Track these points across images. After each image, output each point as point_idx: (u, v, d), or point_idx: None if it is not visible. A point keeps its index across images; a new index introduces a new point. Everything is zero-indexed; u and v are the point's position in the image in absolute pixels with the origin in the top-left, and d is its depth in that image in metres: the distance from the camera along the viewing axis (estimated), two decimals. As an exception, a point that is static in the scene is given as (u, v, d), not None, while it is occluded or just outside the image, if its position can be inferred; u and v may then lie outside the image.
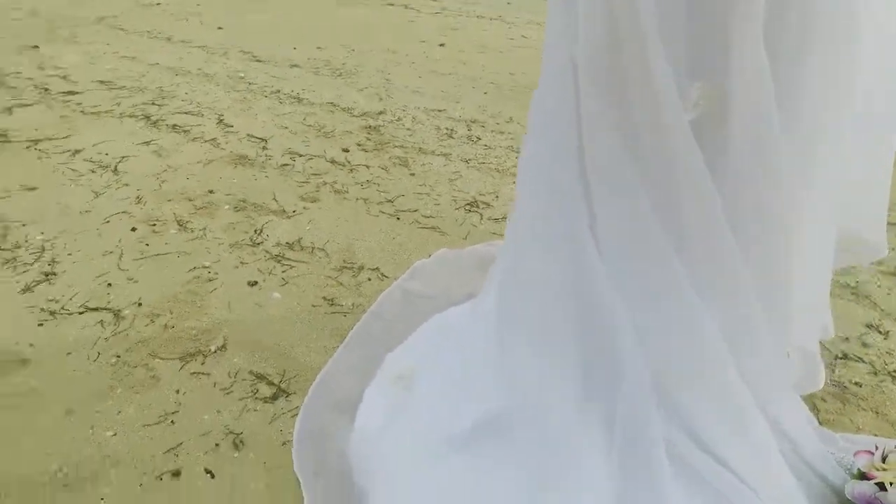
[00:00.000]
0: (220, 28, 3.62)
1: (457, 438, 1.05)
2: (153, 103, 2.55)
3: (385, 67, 3.14)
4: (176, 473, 1.05)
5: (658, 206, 0.90)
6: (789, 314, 0.97)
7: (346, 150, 2.27)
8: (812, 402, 1.22)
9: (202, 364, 1.28)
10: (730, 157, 0.87)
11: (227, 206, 1.87)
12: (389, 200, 1.96)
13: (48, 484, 1.01)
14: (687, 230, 0.90)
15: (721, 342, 0.94)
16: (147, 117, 2.42)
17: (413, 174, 2.13)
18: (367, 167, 2.16)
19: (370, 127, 2.47)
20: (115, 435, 1.12)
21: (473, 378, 1.12)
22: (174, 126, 2.36)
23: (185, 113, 2.49)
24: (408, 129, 2.47)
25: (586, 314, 0.99)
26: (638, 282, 0.94)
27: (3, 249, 1.61)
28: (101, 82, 2.72)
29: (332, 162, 2.19)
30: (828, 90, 0.85)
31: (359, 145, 2.32)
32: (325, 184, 2.03)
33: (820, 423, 1.17)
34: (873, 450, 0.96)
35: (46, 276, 1.51)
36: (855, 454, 0.98)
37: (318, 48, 3.42)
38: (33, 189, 1.88)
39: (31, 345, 1.31)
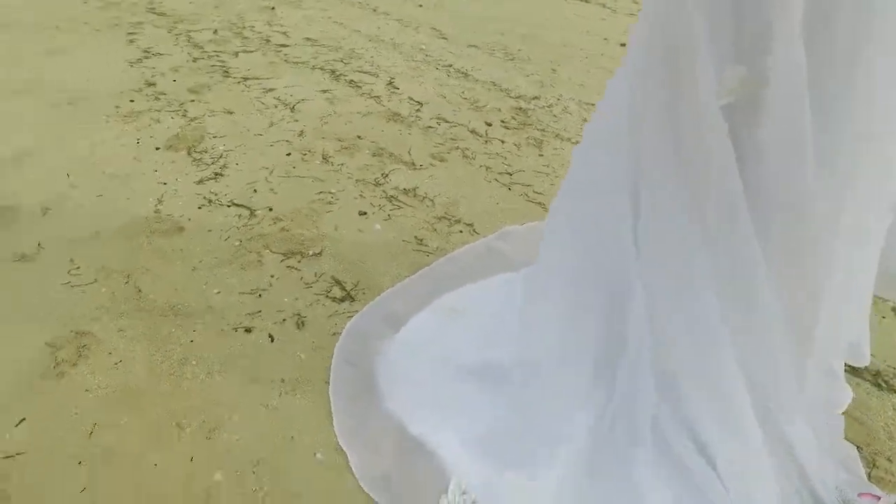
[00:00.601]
0: (420, 6, 4.01)
1: (469, 369, 1.17)
2: (342, 61, 2.97)
3: (557, 59, 3.24)
4: (248, 330, 1.32)
5: (689, 203, 0.93)
6: (813, 325, 0.92)
7: (489, 125, 2.45)
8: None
9: (298, 262, 1.55)
10: (759, 151, 0.87)
11: (367, 151, 2.15)
12: (509, 173, 2.09)
13: (169, 312, 1.35)
14: (711, 227, 0.91)
15: (727, 344, 0.93)
16: (333, 71, 2.83)
17: (542, 155, 2.23)
18: (502, 142, 2.31)
19: (520, 108, 2.61)
20: (219, 293, 1.43)
21: (504, 326, 1.22)
22: (351, 81, 2.74)
23: (364, 72, 2.86)
24: (554, 116, 2.56)
25: (611, 294, 1.04)
26: (661, 274, 0.98)
27: (195, 151, 2.06)
28: (308, 39, 3.22)
29: (472, 132, 2.37)
30: (880, 96, 0.81)
31: (502, 122, 2.48)
32: (458, 148, 2.23)
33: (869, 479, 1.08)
34: (880, 496, 0.89)
35: (215, 175, 1.91)
36: (859, 495, 0.91)
37: (501, 34, 3.63)
38: (231, 112, 2.35)
39: (189, 219, 1.69)
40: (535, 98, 2.73)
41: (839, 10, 0.77)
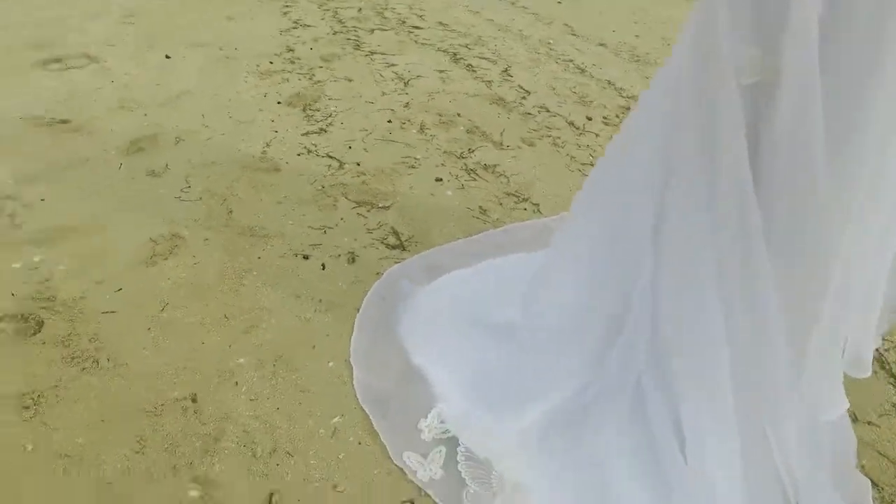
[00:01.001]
0: (559, 2, 4.07)
1: (482, 320, 1.27)
2: (466, 46, 3.13)
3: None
4: (306, 257, 1.52)
5: (703, 197, 0.95)
6: (812, 325, 0.91)
7: (589, 119, 2.48)
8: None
9: (367, 211, 1.73)
10: (774, 143, 0.87)
11: (462, 127, 2.29)
12: (592, 164, 2.12)
13: (247, 233, 1.59)
14: (720, 219, 0.93)
15: (723, 337, 0.94)
16: (454, 54, 3.00)
17: (634, 152, 2.23)
18: (597, 135, 2.34)
19: (627, 108, 2.61)
20: (292, 224, 1.65)
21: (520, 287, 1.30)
22: (468, 65, 2.89)
23: (484, 58, 3.00)
24: (662, 117, 2.52)
25: (622, 282, 1.08)
26: (669, 265, 1.01)
27: (310, 108, 2.33)
28: (441, 24, 3.43)
29: (570, 123, 2.42)
30: None
31: (604, 118, 2.50)
32: (550, 136, 2.30)
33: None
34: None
35: (320, 130, 2.16)
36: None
37: (636, 36, 3.59)
38: (350, 80, 2.61)
39: (287, 163, 1.94)
40: (648, 99, 2.70)
41: None
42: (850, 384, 1.04)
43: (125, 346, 1.24)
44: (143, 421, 1.09)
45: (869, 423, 1.25)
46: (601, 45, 3.37)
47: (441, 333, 1.26)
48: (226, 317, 1.32)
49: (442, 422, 1.12)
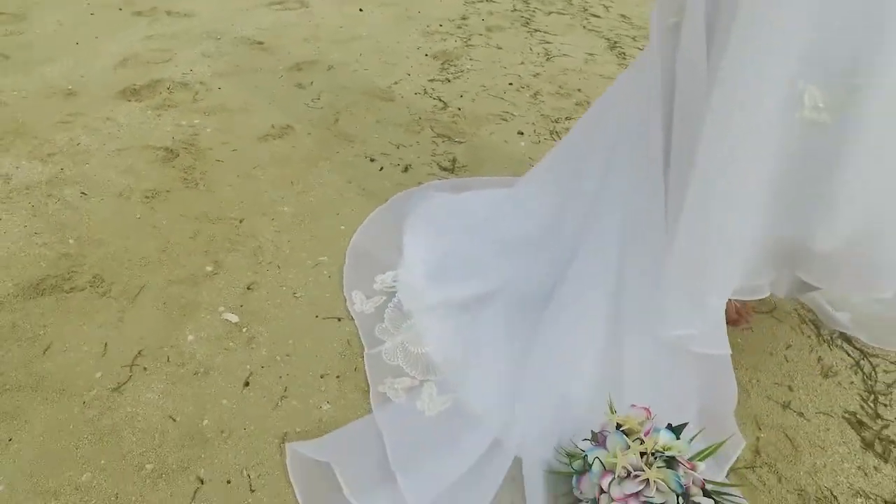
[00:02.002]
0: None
1: (472, 226, 1.55)
2: (632, 38, 3.27)
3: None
4: (372, 160, 1.93)
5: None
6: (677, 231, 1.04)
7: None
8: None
9: (442, 142, 2.08)
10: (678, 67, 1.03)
11: (573, 100, 2.50)
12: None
13: (342, 138, 2.05)
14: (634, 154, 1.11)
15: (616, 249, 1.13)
16: (615, 42, 3.17)
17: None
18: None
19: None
20: (377, 137, 2.07)
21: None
22: (621, 53, 3.05)
23: (640, 50, 3.12)
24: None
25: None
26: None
27: (449, 63, 2.73)
28: (622, 16, 3.59)
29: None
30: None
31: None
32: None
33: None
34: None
35: (445, 80, 2.55)
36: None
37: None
38: (500, 48, 2.95)
39: (402, 96, 2.37)
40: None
41: None
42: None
43: (219, 179, 1.77)
44: (204, 225, 1.59)
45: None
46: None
47: (433, 225, 1.57)
48: (291, 183, 1.79)
49: (394, 281, 1.43)
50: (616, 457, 0.94)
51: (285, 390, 1.20)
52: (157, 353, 1.25)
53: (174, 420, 1.13)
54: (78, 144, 1.92)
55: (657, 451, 0.94)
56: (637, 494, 0.92)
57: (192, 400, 1.16)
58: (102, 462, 1.05)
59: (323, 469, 1.03)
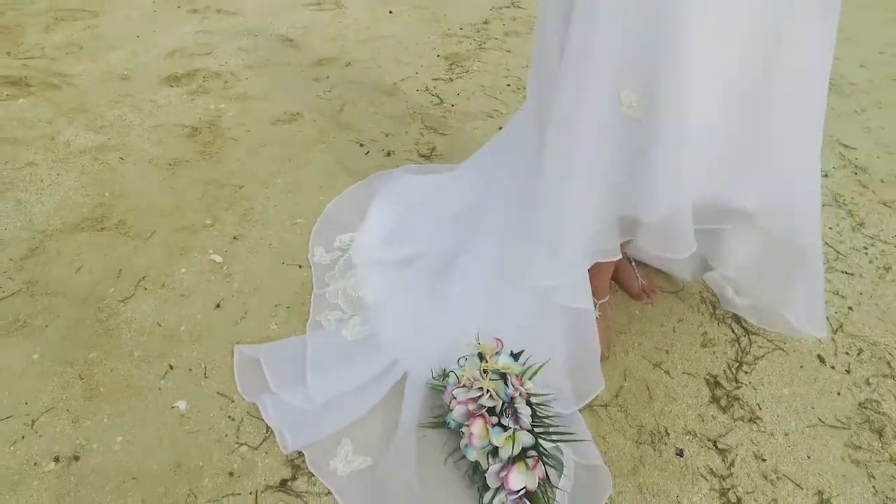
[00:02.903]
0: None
1: (426, 204, 1.90)
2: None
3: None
4: (361, 144, 2.31)
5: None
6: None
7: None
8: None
9: (428, 132, 2.45)
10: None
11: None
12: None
13: (341, 124, 2.45)
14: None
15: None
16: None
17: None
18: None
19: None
20: (371, 126, 2.45)
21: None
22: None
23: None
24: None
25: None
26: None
27: (456, 65, 3.09)
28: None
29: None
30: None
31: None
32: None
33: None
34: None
35: (448, 79, 2.91)
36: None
37: (861, 66, 3.51)
38: (509, 51, 3.29)
39: (404, 92, 2.75)
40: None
41: None
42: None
43: (230, 153, 2.21)
44: (211, 188, 2.02)
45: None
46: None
47: (392, 199, 1.93)
48: (289, 160, 2.20)
49: (350, 240, 1.81)
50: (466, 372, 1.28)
51: (245, 313, 1.60)
52: (156, 280, 1.68)
53: (160, 325, 1.54)
54: (124, 120, 2.41)
55: (496, 368, 1.27)
56: (476, 399, 1.26)
57: (175, 313, 1.58)
58: (106, 348, 1.48)
59: (259, 368, 1.42)
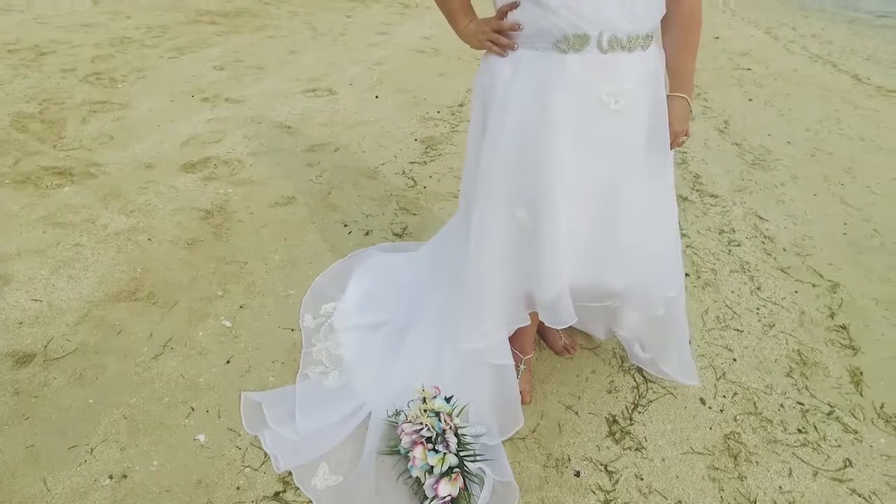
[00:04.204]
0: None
1: (394, 278, 2.43)
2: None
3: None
4: (345, 225, 2.86)
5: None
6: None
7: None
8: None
9: (403, 214, 2.99)
10: None
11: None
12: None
13: (328, 207, 3.00)
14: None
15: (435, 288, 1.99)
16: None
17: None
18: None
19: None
20: (353, 208, 3.00)
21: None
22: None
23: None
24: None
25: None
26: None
27: (431, 148, 3.67)
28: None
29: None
30: None
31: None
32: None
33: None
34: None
35: (422, 163, 3.48)
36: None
37: (788, 143, 4.07)
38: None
39: (384, 175, 3.31)
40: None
41: None
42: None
43: (236, 233, 2.74)
44: (221, 265, 2.55)
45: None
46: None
47: (367, 274, 2.46)
48: (285, 239, 2.74)
49: (333, 309, 2.32)
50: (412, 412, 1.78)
51: (249, 368, 2.10)
52: (180, 341, 2.19)
53: (183, 377, 2.05)
54: (150, 205, 2.96)
55: (433, 409, 1.77)
56: (418, 431, 1.75)
57: (195, 368, 2.08)
58: (143, 394, 1.98)
59: (260, 409, 1.91)
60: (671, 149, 1.73)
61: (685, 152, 4.09)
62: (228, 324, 2.27)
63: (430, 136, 3.79)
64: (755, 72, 6.41)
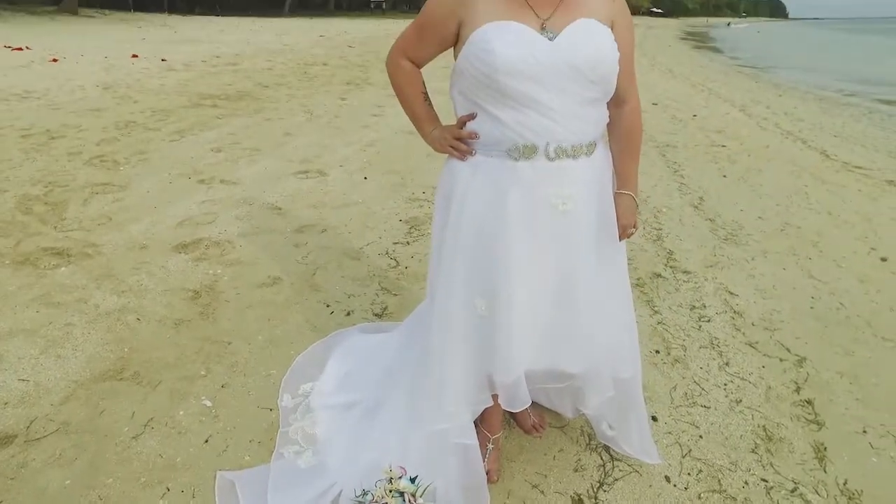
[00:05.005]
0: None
1: (369, 358, 2.51)
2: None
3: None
4: (327, 305, 2.95)
5: None
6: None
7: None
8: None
9: (384, 294, 3.09)
10: None
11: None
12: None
13: (312, 286, 3.11)
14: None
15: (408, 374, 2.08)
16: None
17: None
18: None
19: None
20: (337, 288, 3.11)
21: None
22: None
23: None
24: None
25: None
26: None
27: (414, 228, 3.80)
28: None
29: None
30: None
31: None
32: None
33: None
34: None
35: (406, 243, 3.60)
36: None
37: (759, 218, 4.22)
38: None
39: (367, 255, 3.43)
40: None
41: None
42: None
43: (223, 313, 2.83)
44: (206, 344, 2.62)
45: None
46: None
47: (345, 356, 2.53)
48: (268, 319, 2.82)
49: (311, 389, 2.39)
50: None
51: (227, 447, 2.14)
52: (160, 420, 2.24)
53: (161, 457, 2.09)
54: (141, 285, 3.06)
55: (398, 489, 1.81)
56: (383, 511, 1.79)
57: (173, 447, 2.13)
58: (120, 474, 2.01)
59: (234, 489, 1.95)
60: (620, 240, 1.85)
61: (660, 229, 4.24)
62: (209, 403, 2.33)
63: (414, 217, 3.93)
64: (729, 148, 6.67)
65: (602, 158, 1.76)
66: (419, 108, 1.84)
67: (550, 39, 1.56)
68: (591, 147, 1.68)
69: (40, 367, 2.45)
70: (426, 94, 1.85)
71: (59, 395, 2.31)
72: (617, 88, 1.68)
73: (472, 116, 1.69)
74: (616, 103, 1.76)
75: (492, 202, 1.68)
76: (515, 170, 1.65)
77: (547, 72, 1.54)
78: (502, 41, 1.54)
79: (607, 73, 1.61)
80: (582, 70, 1.56)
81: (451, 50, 1.72)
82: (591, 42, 1.58)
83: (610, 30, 1.63)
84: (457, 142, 1.73)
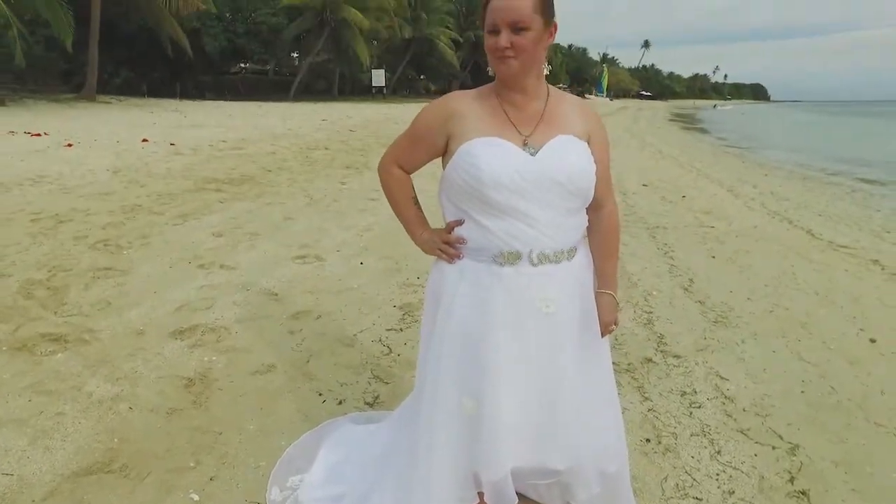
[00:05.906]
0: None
1: (361, 447, 2.49)
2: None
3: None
4: (319, 394, 2.94)
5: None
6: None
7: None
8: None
9: (375, 382, 3.09)
10: None
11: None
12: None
13: (307, 374, 3.10)
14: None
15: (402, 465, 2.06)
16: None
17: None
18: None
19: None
20: (330, 376, 3.10)
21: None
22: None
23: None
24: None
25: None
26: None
27: (408, 314, 3.83)
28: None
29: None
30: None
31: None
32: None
33: None
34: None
35: (399, 329, 3.62)
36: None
37: (748, 299, 4.25)
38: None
39: (361, 343, 3.44)
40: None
41: None
42: None
43: (216, 402, 2.81)
44: (197, 434, 2.60)
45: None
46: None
47: (335, 447, 2.50)
48: (261, 409, 2.81)
49: (300, 481, 2.35)
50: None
51: (212, 546, 2.09)
52: (146, 517, 2.19)
53: (145, 557, 2.03)
54: (136, 371, 3.06)
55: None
56: None
57: (158, 546, 2.07)
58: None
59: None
60: (602, 337, 1.88)
61: (651, 312, 4.26)
62: (196, 497, 2.28)
63: (408, 303, 3.97)
64: (718, 229, 6.79)
65: (584, 260, 1.83)
66: (409, 212, 1.92)
67: (532, 155, 1.66)
68: (573, 252, 1.75)
69: (26, 460, 2.42)
70: (416, 198, 1.94)
71: (41, 490, 2.27)
72: (595, 195, 1.76)
73: (459, 222, 1.76)
74: (594, 208, 1.84)
75: (478, 306, 1.74)
76: (501, 275, 1.71)
77: (529, 185, 1.64)
78: (488, 156, 1.64)
79: (586, 186, 1.70)
80: (562, 183, 1.65)
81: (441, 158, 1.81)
82: (569, 157, 1.67)
83: (587, 144, 1.73)
84: (445, 245, 1.80)
